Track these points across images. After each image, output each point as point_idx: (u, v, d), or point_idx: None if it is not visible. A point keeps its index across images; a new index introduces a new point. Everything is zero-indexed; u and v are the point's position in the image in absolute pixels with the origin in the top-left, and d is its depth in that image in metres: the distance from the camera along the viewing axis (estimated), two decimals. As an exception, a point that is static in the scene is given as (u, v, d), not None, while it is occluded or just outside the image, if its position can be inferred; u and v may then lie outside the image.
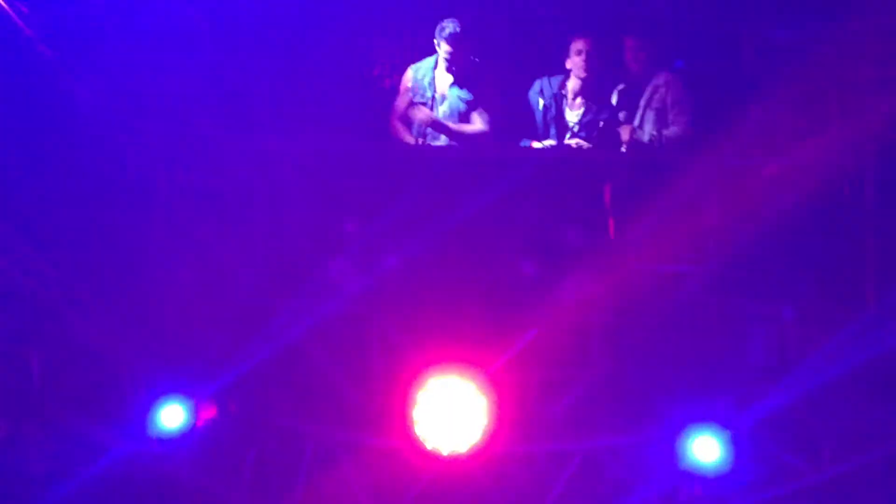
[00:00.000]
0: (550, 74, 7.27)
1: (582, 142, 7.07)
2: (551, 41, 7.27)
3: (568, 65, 7.16)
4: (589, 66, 7.02)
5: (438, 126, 7.22)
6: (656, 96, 7.06)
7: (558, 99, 7.17)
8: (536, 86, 7.26)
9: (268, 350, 6.80)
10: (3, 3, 6.56)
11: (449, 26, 7.10)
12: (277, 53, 7.27)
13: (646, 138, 7.05)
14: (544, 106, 7.14)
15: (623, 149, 7.03)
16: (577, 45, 7.09)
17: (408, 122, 7.33)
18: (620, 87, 7.22)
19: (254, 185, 6.86)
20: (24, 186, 6.72)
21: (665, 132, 6.97)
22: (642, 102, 7.11)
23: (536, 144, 7.15)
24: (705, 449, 6.15)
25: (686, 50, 7.02)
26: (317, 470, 6.59)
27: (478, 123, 7.24)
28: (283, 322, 6.85)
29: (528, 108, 7.31)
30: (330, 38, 7.39)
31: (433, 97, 7.25)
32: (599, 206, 6.56)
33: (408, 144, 7.24)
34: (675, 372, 6.48)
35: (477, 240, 6.76)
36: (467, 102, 7.20)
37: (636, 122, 7.09)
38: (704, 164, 6.42)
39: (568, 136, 7.17)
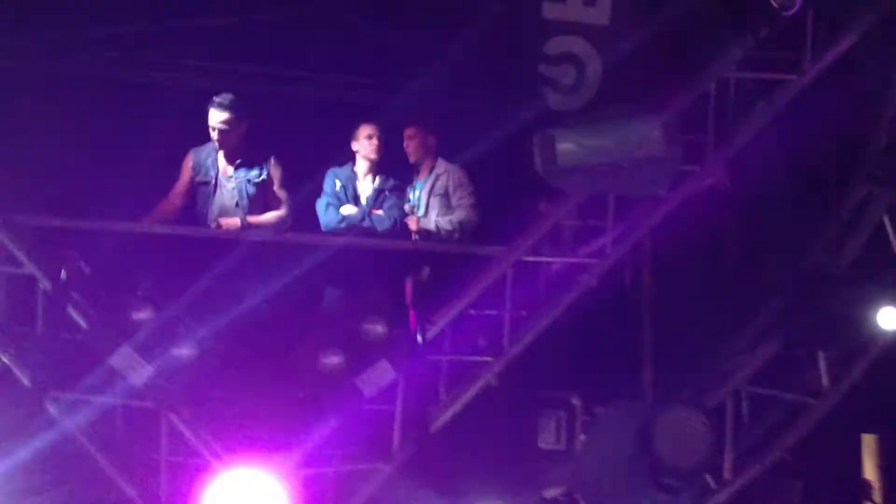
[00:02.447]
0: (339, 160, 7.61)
1: (379, 211, 7.42)
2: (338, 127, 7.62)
3: (354, 146, 7.56)
4: (379, 148, 7.47)
5: (245, 228, 7.21)
6: (438, 184, 7.61)
7: (352, 180, 7.52)
8: (331, 172, 7.57)
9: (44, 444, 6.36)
10: None
11: (220, 97, 7.17)
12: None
13: (431, 226, 7.53)
14: (341, 186, 7.46)
15: (414, 237, 7.45)
16: (367, 129, 7.52)
17: (188, 200, 7.29)
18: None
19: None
20: None
21: (450, 217, 7.48)
22: (425, 192, 7.61)
23: (343, 210, 7.38)
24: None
25: (467, 143, 7.59)
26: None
27: (278, 209, 7.34)
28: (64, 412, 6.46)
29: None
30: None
31: (216, 177, 7.28)
32: (400, 298, 6.79)
33: (205, 229, 7.17)
34: (473, 456, 6.74)
35: (276, 329, 6.77)
36: (256, 185, 7.29)
37: (422, 212, 7.57)
38: (499, 259, 6.87)
39: (362, 206, 7.49)
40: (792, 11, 6.91)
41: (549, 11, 6.77)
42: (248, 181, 7.27)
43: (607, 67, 6.79)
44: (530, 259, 6.95)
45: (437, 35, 7.50)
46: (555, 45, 6.77)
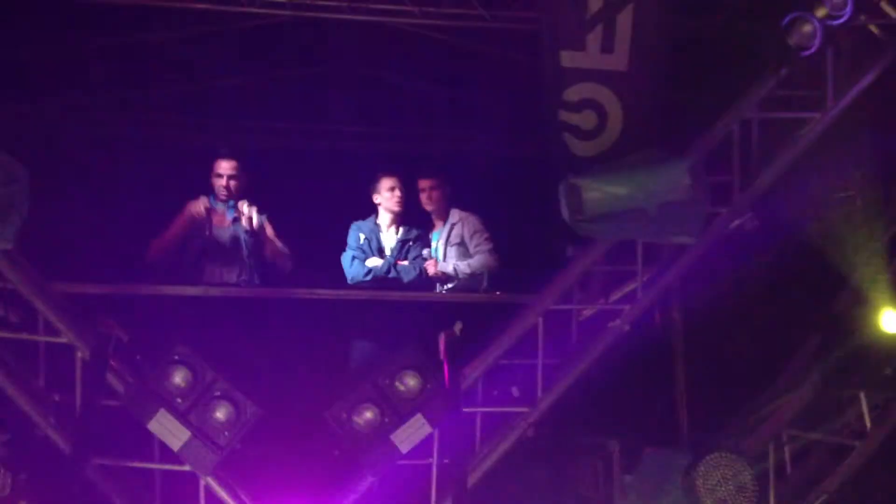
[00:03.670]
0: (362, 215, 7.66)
1: (404, 262, 7.46)
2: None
3: (376, 199, 7.64)
4: (401, 201, 7.55)
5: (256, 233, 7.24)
6: (454, 233, 7.66)
7: (375, 232, 7.59)
8: (354, 226, 7.65)
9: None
10: None
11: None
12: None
13: (450, 269, 7.53)
14: (365, 239, 7.53)
15: (438, 285, 7.49)
16: (389, 182, 7.61)
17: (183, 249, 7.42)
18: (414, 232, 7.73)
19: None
20: None
21: (469, 261, 7.51)
22: (441, 242, 7.66)
23: (369, 262, 7.43)
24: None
25: (480, 191, 7.64)
26: None
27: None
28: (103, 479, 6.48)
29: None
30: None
31: (211, 231, 7.45)
32: (432, 351, 6.79)
33: (236, 289, 7.27)
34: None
35: (308, 386, 6.78)
36: (252, 234, 7.42)
37: (441, 258, 7.60)
38: (529, 308, 6.86)
39: (388, 257, 7.53)
40: (811, 51, 6.93)
41: (568, 60, 6.84)
42: (246, 231, 7.36)
43: (628, 112, 6.83)
44: (561, 307, 6.90)
45: (459, 86, 7.61)
46: (575, 92, 6.83)
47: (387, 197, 7.62)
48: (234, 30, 7.88)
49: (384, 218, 7.67)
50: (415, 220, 7.71)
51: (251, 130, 7.92)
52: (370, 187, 7.68)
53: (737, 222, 7.04)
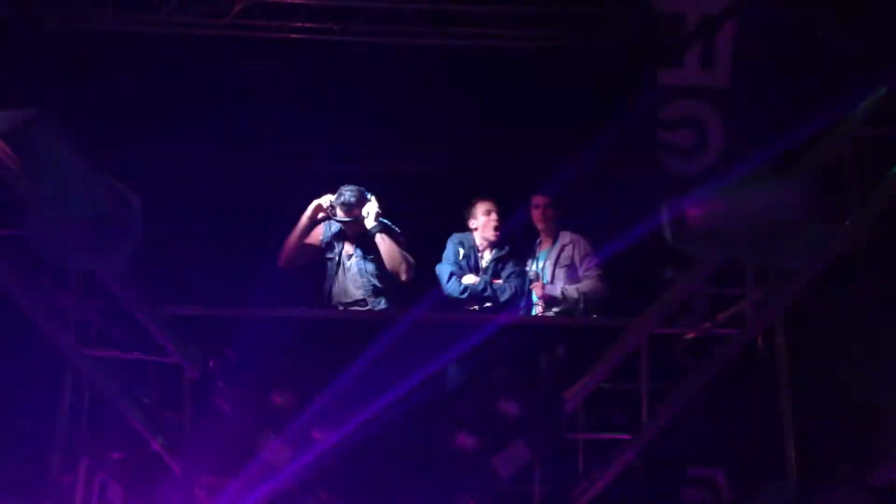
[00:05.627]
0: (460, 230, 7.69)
1: (498, 280, 7.42)
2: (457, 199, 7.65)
3: (472, 224, 7.63)
4: (498, 226, 7.52)
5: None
6: (563, 255, 7.55)
7: (474, 249, 7.53)
8: (455, 238, 7.65)
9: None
10: None
11: (345, 194, 7.45)
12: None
13: (557, 293, 7.42)
14: (464, 255, 7.53)
15: (538, 304, 7.40)
16: (485, 205, 7.60)
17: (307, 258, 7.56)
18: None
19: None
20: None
21: (577, 286, 7.39)
22: (550, 263, 7.56)
23: (466, 280, 7.41)
24: None
25: (593, 211, 7.54)
26: None
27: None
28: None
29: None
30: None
31: (340, 255, 7.51)
32: (535, 376, 6.71)
33: (336, 311, 7.38)
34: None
35: (412, 410, 6.79)
36: (372, 261, 7.48)
37: (547, 280, 7.52)
38: (633, 332, 6.70)
39: (483, 275, 7.51)
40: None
41: (666, 77, 6.72)
42: (364, 258, 7.42)
43: (730, 129, 6.64)
44: (664, 331, 6.72)
45: (552, 102, 7.57)
46: (673, 110, 6.70)
47: (483, 221, 7.61)
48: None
49: (482, 241, 7.69)
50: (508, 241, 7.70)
51: (344, 158, 8.09)
52: (465, 211, 7.70)
53: (852, 245, 6.72)
